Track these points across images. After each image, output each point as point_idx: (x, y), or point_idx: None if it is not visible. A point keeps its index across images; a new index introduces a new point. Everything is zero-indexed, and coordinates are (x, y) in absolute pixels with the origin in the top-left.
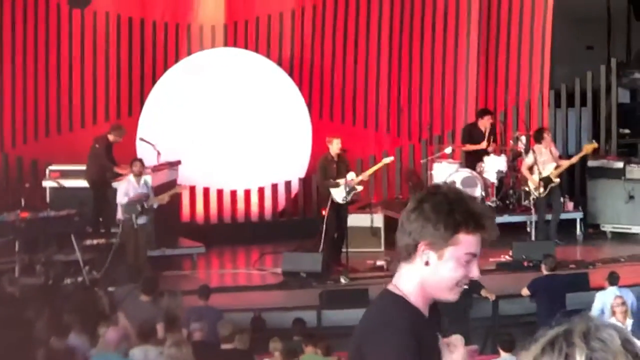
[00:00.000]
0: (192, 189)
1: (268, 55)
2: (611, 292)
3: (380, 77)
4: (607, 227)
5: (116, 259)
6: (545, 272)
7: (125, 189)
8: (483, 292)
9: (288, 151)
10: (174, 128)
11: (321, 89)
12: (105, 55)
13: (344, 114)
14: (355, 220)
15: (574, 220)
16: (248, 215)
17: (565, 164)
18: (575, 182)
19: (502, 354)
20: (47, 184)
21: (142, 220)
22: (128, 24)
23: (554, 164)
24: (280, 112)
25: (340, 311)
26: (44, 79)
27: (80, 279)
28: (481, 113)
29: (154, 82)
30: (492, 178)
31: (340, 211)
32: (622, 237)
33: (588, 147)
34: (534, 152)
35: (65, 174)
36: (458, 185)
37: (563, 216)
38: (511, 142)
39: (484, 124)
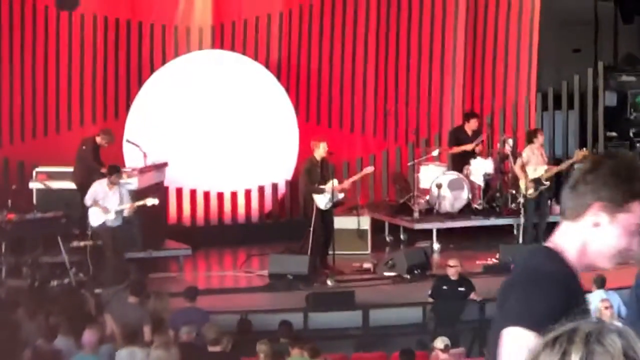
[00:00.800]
0: (179, 191)
1: (255, 58)
2: (598, 295)
3: (367, 80)
4: None
5: (102, 261)
6: None
7: (95, 192)
8: (472, 295)
9: (275, 153)
10: (161, 130)
11: (308, 91)
12: (93, 57)
13: (331, 117)
14: (342, 222)
15: None
16: (235, 217)
17: (554, 169)
18: (563, 186)
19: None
20: (34, 185)
21: (116, 222)
22: (115, 26)
23: (545, 167)
24: (267, 115)
25: (326, 313)
26: (30, 81)
27: (66, 281)
28: (467, 116)
29: (140, 84)
30: (479, 181)
31: (325, 214)
32: None
33: (579, 154)
34: (529, 152)
35: (52, 176)
36: (445, 188)
37: (551, 219)
38: (498, 144)
39: (471, 127)
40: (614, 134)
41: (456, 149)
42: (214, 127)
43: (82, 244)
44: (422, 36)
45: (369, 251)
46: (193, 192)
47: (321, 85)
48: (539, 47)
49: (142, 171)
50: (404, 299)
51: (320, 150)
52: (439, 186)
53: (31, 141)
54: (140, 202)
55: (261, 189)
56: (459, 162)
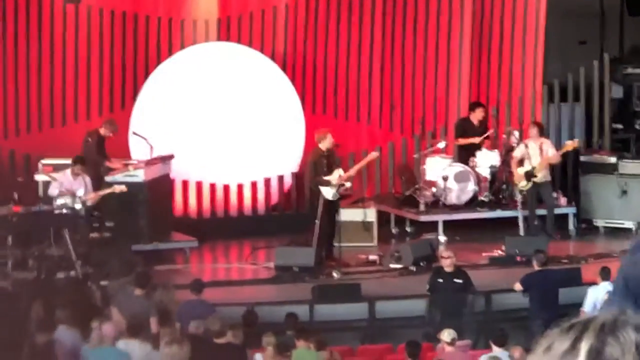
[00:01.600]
0: (185, 183)
1: (261, 50)
2: (603, 287)
3: (373, 71)
4: (600, 222)
5: (109, 252)
6: (536, 267)
7: (59, 183)
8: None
9: (281, 146)
10: (167, 122)
11: (314, 83)
12: (99, 49)
13: (337, 109)
14: (348, 215)
15: (567, 216)
16: (241, 209)
17: (545, 159)
18: (568, 178)
19: (495, 348)
20: (40, 177)
21: (81, 212)
22: (122, 18)
23: (539, 159)
24: (274, 107)
25: (332, 306)
26: (36, 73)
27: (72, 273)
28: (473, 106)
29: (146, 76)
30: (485, 173)
31: (331, 206)
32: (615, 232)
33: (569, 144)
34: (526, 146)
35: (57, 168)
36: (451, 180)
37: (556, 211)
38: (504, 136)
39: (477, 117)
40: (619, 126)
41: (462, 141)
42: (220, 119)
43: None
44: (428, 27)
45: (375, 243)
46: (199, 184)
47: (327, 77)
48: (545, 39)
49: (148, 163)
50: (409, 291)
51: (328, 142)
52: (445, 178)
53: (37, 133)
54: (108, 190)
55: (267, 181)
56: (465, 154)
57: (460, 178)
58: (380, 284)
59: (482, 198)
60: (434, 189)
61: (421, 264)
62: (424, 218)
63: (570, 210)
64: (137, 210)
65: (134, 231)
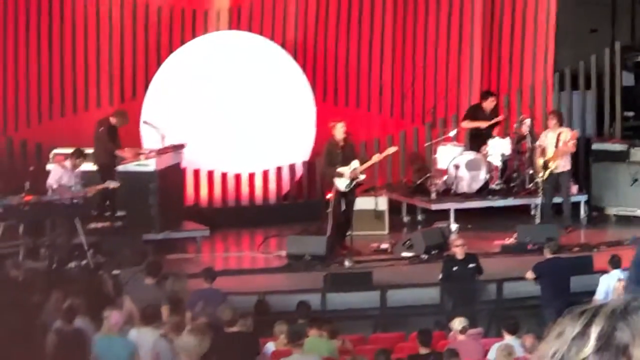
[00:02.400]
0: (197, 172)
1: (272, 39)
2: (615, 274)
3: (384, 60)
4: (611, 210)
5: (120, 242)
6: (547, 255)
7: (59, 175)
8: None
9: (292, 134)
10: (179, 111)
11: (325, 72)
12: (110, 38)
13: (348, 97)
14: (360, 203)
15: (578, 204)
16: (252, 198)
17: (559, 149)
18: (580, 166)
19: (506, 336)
20: (50, 167)
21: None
22: (133, 7)
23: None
24: (285, 95)
25: (344, 294)
26: (47, 62)
27: (84, 262)
28: (485, 95)
29: (158, 65)
30: (496, 161)
31: (346, 195)
32: (626, 220)
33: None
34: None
35: (69, 157)
36: (462, 168)
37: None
38: (515, 125)
39: (488, 105)
40: (631, 113)
41: (469, 124)
42: (231, 108)
43: (99, 225)
44: (439, 15)
45: (386, 232)
46: (210, 174)
47: (338, 65)
48: (556, 27)
49: (160, 152)
50: (421, 279)
51: (339, 131)
52: (456, 167)
53: (48, 123)
54: (102, 186)
55: (278, 170)
56: (477, 143)
57: (471, 166)
58: (392, 272)
59: (494, 186)
60: (445, 178)
61: (433, 252)
62: (435, 206)
63: (582, 198)
64: (148, 200)
65: (146, 220)
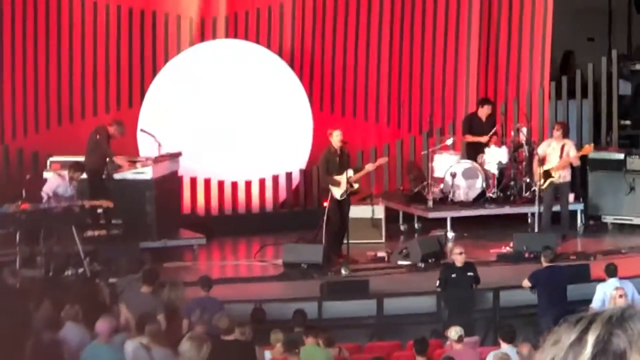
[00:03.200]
0: (193, 180)
1: (269, 47)
2: (612, 283)
3: (381, 68)
4: (608, 219)
5: (117, 250)
6: (544, 263)
7: (56, 185)
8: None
9: (289, 143)
10: (175, 119)
11: (322, 80)
12: (106, 46)
13: (345, 106)
14: (356, 211)
15: (575, 212)
16: (249, 206)
17: (564, 160)
18: (576, 174)
19: (503, 344)
20: (48, 175)
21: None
22: (128, 15)
23: (557, 160)
24: (281, 104)
25: (341, 302)
26: (44, 71)
27: (81, 270)
28: (481, 102)
29: (154, 73)
30: (493, 169)
31: (342, 204)
32: (623, 229)
33: (586, 148)
34: (548, 145)
35: (66, 166)
36: (459, 177)
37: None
38: (512, 133)
39: (484, 113)
40: (628, 122)
41: (470, 138)
42: (228, 117)
43: (96, 233)
44: (436, 24)
45: (383, 240)
46: (207, 182)
47: (335, 74)
48: (553, 36)
49: (157, 161)
50: (418, 287)
51: (335, 139)
52: (453, 175)
53: (45, 131)
54: (97, 203)
55: (275, 178)
56: (473, 151)
57: (468, 175)
58: (389, 280)
59: (490, 195)
60: (442, 186)
61: (429, 260)
62: (432, 215)
63: (579, 207)
64: (145, 208)
65: (142, 228)
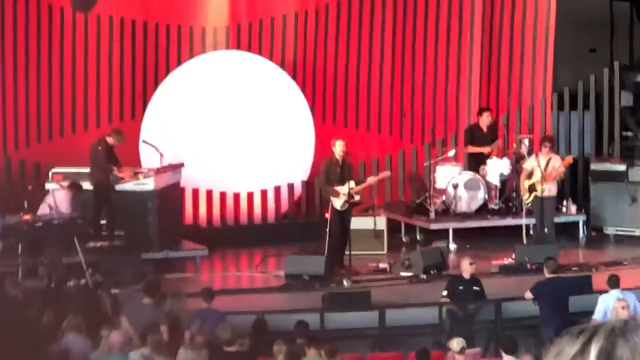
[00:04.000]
0: (195, 192)
1: (271, 58)
2: (614, 294)
3: (383, 80)
4: (610, 230)
5: (119, 261)
6: (547, 274)
7: (59, 200)
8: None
9: (291, 154)
10: (177, 130)
11: (324, 91)
12: (109, 58)
13: (347, 117)
14: (358, 223)
15: (577, 223)
16: (251, 217)
17: (548, 174)
18: (579, 185)
19: (505, 356)
20: (50, 186)
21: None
22: (131, 27)
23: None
24: (283, 115)
25: (343, 314)
26: (47, 82)
27: (83, 281)
28: (480, 111)
29: (156, 84)
30: (495, 181)
31: (343, 214)
32: (625, 240)
33: (567, 160)
34: (536, 158)
35: (68, 177)
36: (461, 188)
37: (566, 219)
38: (514, 145)
39: (485, 122)
40: (629, 133)
41: (472, 149)
42: (230, 128)
43: (98, 244)
44: (438, 36)
45: (385, 251)
46: (209, 193)
47: (337, 85)
48: (555, 47)
49: (159, 172)
50: (420, 299)
51: (338, 149)
52: (455, 186)
53: (47, 142)
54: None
55: (277, 190)
56: (475, 163)
57: (470, 186)
58: (391, 292)
59: (492, 206)
60: (444, 197)
61: (431, 272)
62: (434, 226)
63: (581, 218)
64: (147, 219)
65: (144, 239)
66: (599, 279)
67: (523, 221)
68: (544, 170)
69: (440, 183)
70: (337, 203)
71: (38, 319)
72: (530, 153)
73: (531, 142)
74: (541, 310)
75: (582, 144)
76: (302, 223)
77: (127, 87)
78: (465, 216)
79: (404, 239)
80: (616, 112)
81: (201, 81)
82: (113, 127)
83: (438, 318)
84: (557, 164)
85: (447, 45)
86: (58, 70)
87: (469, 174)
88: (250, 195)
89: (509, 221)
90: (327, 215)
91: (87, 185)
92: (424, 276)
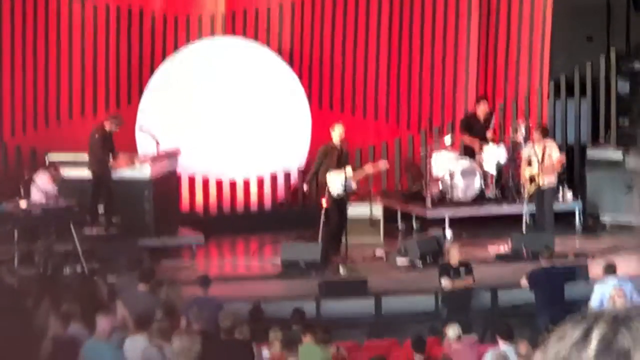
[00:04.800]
0: (192, 179)
1: (267, 45)
2: (610, 282)
3: (380, 67)
4: (607, 218)
5: (115, 248)
6: (542, 263)
7: (44, 186)
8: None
9: (287, 141)
10: (173, 117)
11: (321, 78)
12: (105, 45)
13: (344, 104)
14: (355, 211)
15: (573, 211)
16: (247, 205)
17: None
18: (575, 173)
19: (501, 343)
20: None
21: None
22: (127, 14)
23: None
24: (280, 102)
25: (339, 301)
26: (43, 69)
27: (79, 268)
28: (477, 99)
29: (152, 71)
30: (491, 169)
31: (341, 202)
32: (621, 228)
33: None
34: (532, 147)
35: (64, 163)
36: (457, 176)
37: (563, 207)
38: (511, 132)
39: (482, 110)
40: (626, 121)
41: (466, 139)
42: (226, 115)
43: (94, 231)
44: (435, 23)
45: (381, 239)
46: (205, 180)
47: (334, 72)
48: (552, 35)
49: (155, 159)
50: (416, 286)
51: (335, 133)
52: (451, 174)
53: (44, 129)
54: None
55: (274, 177)
56: (472, 150)
57: (466, 174)
58: (387, 279)
59: (489, 194)
60: (440, 185)
61: (427, 259)
62: (430, 214)
63: (577, 206)
64: (143, 206)
65: (141, 227)
66: (595, 267)
67: (525, 209)
68: (540, 162)
69: (436, 171)
70: (334, 189)
71: (34, 306)
72: (527, 139)
73: (528, 128)
74: (537, 297)
75: (578, 131)
76: (298, 210)
77: (123, 74)
78: (461, 204)
79: (400, 227)
80: (612, 100)
81: (197, 68)
82: (110, 113)
83: (434, 305)
84: (555, 154)
85: (444, 32)
86: (55, 56)
87: (466, 162)
88: (246, 183)
89: (505, 209)
90: (324, 202)
91: (85, 172)
92: (420, 264)
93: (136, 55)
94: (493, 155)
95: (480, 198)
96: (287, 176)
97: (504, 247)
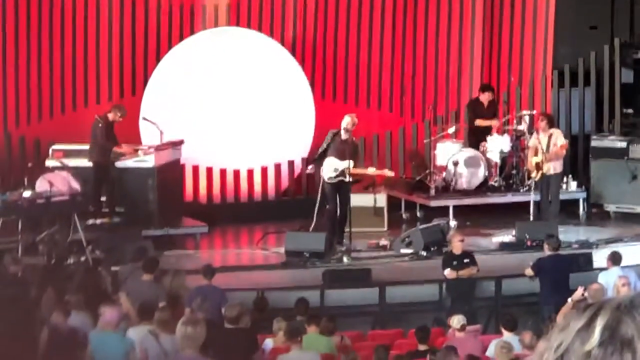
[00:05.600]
0: (195, 169)
1: (271, 35)
2: (614, 272)
3: (384, 56)
4: (611, 207)
5: (119, 238)
6: (548, 252)
7: (59, 180)
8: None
9: (291, 131)
10: (177, 107)
11: (324, 68)
12: (109, 34)
13: (347, 94)
14: (359, 200)
15: (577, 200)
16: (251, 194)
17: (551, 154)
18: (579, 162)
19: (505, 333)
20: (51, 163)
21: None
22: (132, 5)
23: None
24: (283, 92)
25: (343, 291)
26: (47, 59)
27: (83, 258)
28: (482, 88)
29: (157, 61)
30: (495, 158)
31: (340, 190)
32: (625, 217)
33: (563, 145)
34: (537, 136)
35: (68, 154)
36: (461, 165)
37: (567, 196)
38: (514, 121)
39: (486, 98)
40: (630, 110)
41: (480, 122)
42: (230, 104)
43: (98, 221)
44: (440, 11)
45: (385, 228)
46: (209, 170)
47: (337, 62)
48: (555, 24)
49: (159, 149)
50: (420, 276)
51: (344, 121)
52: (455, 163)
53: (48, 119)
54: None
55: (277, 166)
56: (476, 139)
57: (470, 163)
58: (391, 269)
59: (493, 183)
60: (444, 174)
61: (432, 248)
62: (434, 203)
63: (581, 195)
64: (147, 196)
65: (145, 216)
66: (599, 256)
67: (531, 197)
68: (545, 150)
69: (440, 160)
70: (327, 173)
71: (38, 296)
72: (530, 129)
73: (532, 117)
74: (541, 287)
75: (582, 121)
76: (302, 200)
77: (127, 64)
78: (465, 193)
79: (404, 216)
80: (616, 89)
81: (202, 58)
82: (113, 104)
83: (438, 295)
84: (560, 141)
85: (448, 21)
86: (59, 47)
87: (470, 151)
88: (250, 172)
89: (509, 198)
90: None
91: (85, 162)
92: (424, 253)
93: (141, 44)
94: (497, 144)
95: (484, 187)
96: (291, 166)
97: (508, 236)
